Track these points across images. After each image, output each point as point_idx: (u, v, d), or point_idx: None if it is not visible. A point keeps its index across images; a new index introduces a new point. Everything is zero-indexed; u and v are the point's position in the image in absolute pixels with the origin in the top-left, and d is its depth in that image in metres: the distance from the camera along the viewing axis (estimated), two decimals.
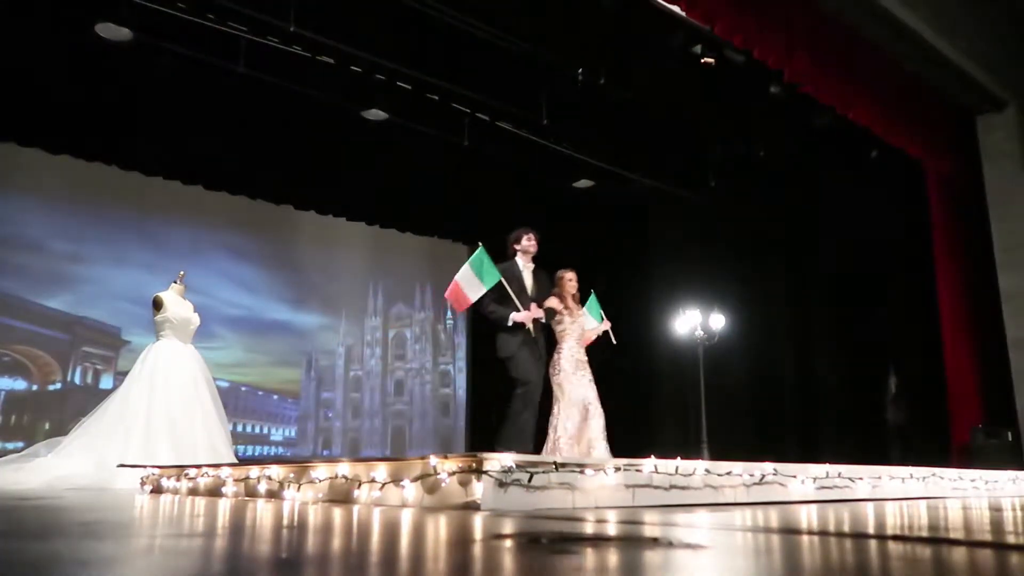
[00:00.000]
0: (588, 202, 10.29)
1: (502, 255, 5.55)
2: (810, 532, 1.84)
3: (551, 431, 5.45)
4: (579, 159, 9.16)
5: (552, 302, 5.47)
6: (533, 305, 5.30)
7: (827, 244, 9.20)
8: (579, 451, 5.33)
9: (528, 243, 5.59)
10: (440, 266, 12.01)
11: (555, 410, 5.47)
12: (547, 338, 5.52)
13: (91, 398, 7.23)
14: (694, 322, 9.67)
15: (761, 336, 9.62)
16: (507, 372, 5.27)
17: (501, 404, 4.90)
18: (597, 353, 5.80)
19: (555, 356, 5.54)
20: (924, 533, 1.89)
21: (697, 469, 2.99)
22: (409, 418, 11.44)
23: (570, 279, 5.73)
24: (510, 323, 5.23)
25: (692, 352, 9.69)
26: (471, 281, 5.29)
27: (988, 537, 1.80)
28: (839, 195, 9.01)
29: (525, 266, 5.55)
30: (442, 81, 7.85)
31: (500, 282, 5.24)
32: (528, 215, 10.49)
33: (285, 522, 2.10)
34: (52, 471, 5.04)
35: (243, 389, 10.01)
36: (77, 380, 8.85)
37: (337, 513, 2.38)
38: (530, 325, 5.26)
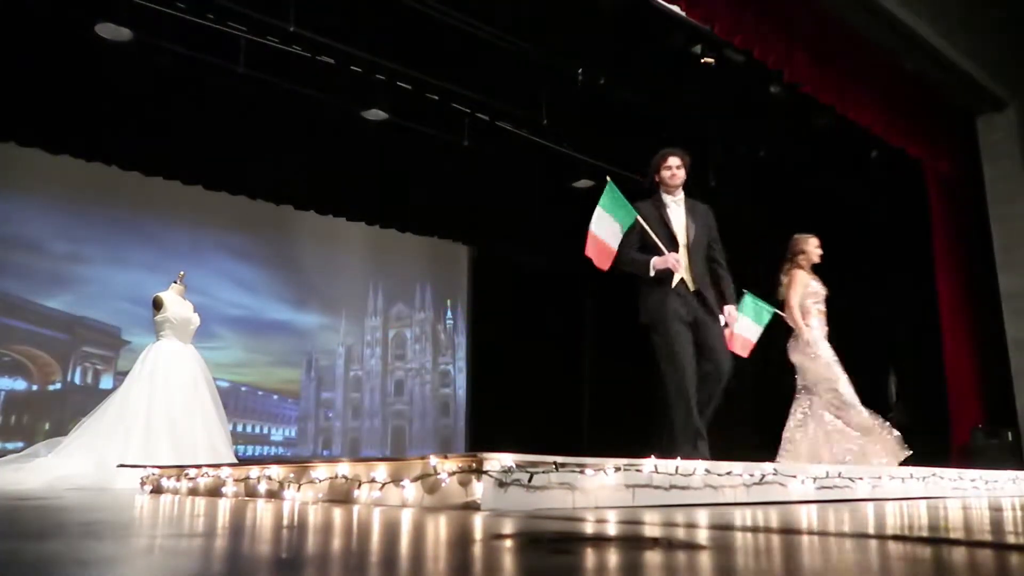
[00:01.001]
0: (588, 202, 10.30)
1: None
2: (810, 532, 1.84)
3: (808, 426, 4.88)
4: (579, 159, 9.17)
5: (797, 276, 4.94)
6: (683, 250, 4.12)
7: (827, 244, 9.20)
8: (841, 448, 4.74)
9: (667, 172, 4.34)
10: (440, 266, 12.03)
11: (808, 401, 4.97)
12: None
13: (91, 398, 7.23)
14: None
15: (761, 336, 9.61)
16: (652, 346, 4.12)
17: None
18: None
19: (808, 334, 5.00)
20: (924, 533, 1.89)
21: (697, 469, 2.99)
22: (409, 418, 11.44)
23: (816, 245, 5.20)
24: (652, 273, 4.05)
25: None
26: (607, 225, 4.17)
27: (988, 537, 1.80)
28: (839, 195, 9.01)
29: (673, 201, 4.34)
30: (442, 81, 7.85)
31: (638, 222, 4.14)
32: (528, 215, 10.54)
33: (285, 522, 2.10)
34: (52, 471, 5.04)
35: (243, 389, 10.01)
36: (77, 380, 8.85)
37: (337, 513, 2.38)
38: (684, 275, 4.08)
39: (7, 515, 2.43)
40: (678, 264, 4.08)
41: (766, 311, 5.47)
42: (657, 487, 2.83)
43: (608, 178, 4.35)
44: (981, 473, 4.95)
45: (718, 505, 2.95)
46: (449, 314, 12.05)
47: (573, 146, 8.98)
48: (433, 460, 2.56)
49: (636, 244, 4.16)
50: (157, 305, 5.97)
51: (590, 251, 4.19)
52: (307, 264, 10.72)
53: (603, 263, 4.17)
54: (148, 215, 9.15)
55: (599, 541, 1.57)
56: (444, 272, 12.05)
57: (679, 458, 3.33)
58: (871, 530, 1.97)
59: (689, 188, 4.44)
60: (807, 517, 2.39)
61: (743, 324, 5.21)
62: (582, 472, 2.62)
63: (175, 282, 6.23)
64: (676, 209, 4.31)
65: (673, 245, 4.14)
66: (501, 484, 2.41)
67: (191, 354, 5.96)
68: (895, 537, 1.74)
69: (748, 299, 5.45)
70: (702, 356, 4.06)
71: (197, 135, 8.40)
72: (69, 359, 8.82)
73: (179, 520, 2.19)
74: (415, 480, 2.60)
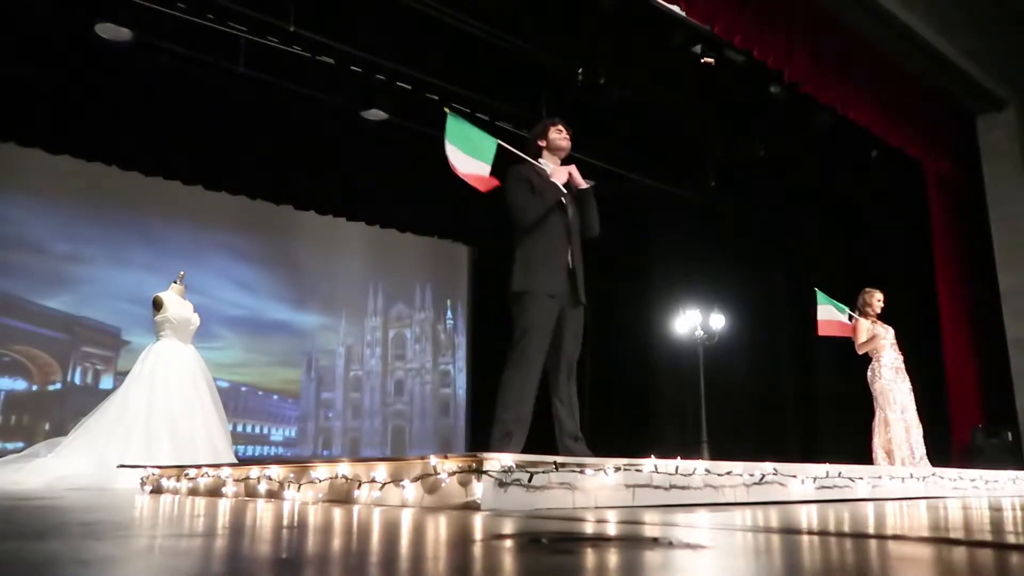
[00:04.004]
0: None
1: None
2: (810, 532, 1.84)
3: (875, 440, 5.81)
4: (579, 159, 9.17)
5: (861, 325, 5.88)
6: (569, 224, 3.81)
7: (827, 244, 9.21)
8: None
9: (558, 134, 4.10)
10: (440, 266, 12.03)
11: (877, 418, 5.84)
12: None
13: (91, 398, 7.23)
14: (694, 322, 9.68)
15: (761, 336, 9.62)
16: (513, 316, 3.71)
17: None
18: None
19: (874, 364, 5.93)
20: (924, 533, 1.89)
21: (697, 469, 2.99)
22: (409, 418, 11.44)
23: (879, 299, 6.12)
24: (552, 177, 3.85)
25: (692, 352, 9.69)
26: (469, 161, 3.88)
27: (988, 537, 1.80)
28: (839, 195, 9.01)
29: (558, 173, 4.04)
30: (442, 81, 7.85)
31: (524, 169, 3.88)
32: None
33: (285, 522, 2.10)
34: (52, 471, 5.04)
35: (243, 389, 10.01)
36: (77, 380, 8.85)
37: (337, 513, 2.38)
38: (568, 254, 3.79)
39: (7, 515, 2.42)
40: (575, 172, 3.89)
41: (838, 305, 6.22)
42: (657, 487, 2.83)
43: (446, 110, 4.03)
44: (981, 473, 4.95)
45: (718, 505, 2.95)
46: (449, 314, 12.05)
47: (572, 146, 8.98)
48: (433, 460, 2.56)
49: (527, 196, 3.80)
50: (157, 305, 5.96)
51: (468, 177, 3.81)
52: (307, 264, 10.72)
53: (483, 186, 3.80)
54: (148, 215, 9.15)
55: (599, 541, 1.57)
56: (444, 272, 12.05)
57: (498, 448, 3.31)
58: (871, 530, 1.97)
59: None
60: (807, 517, 2.39)
61: (829, 311, 6.09)
62: (582, 472, 2.62)
63: (175, 282, 6.23)
64: (560, 180, 3.97)
65: (561, 214, 3.83)
66: (501, 484, 2.41)
67: (191, 354, 5.95)
68: (895, 537, 1.75)
69: (820, 296, 6.15)
70: (560, 342, 3.74)
71: (197, 135, 8.40)
72: (69, 359, 8.82)
73: (179, 520, 2.19)
74: (415, 480, 2.60)
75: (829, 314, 6.07)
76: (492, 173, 3.84)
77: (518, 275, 3.72)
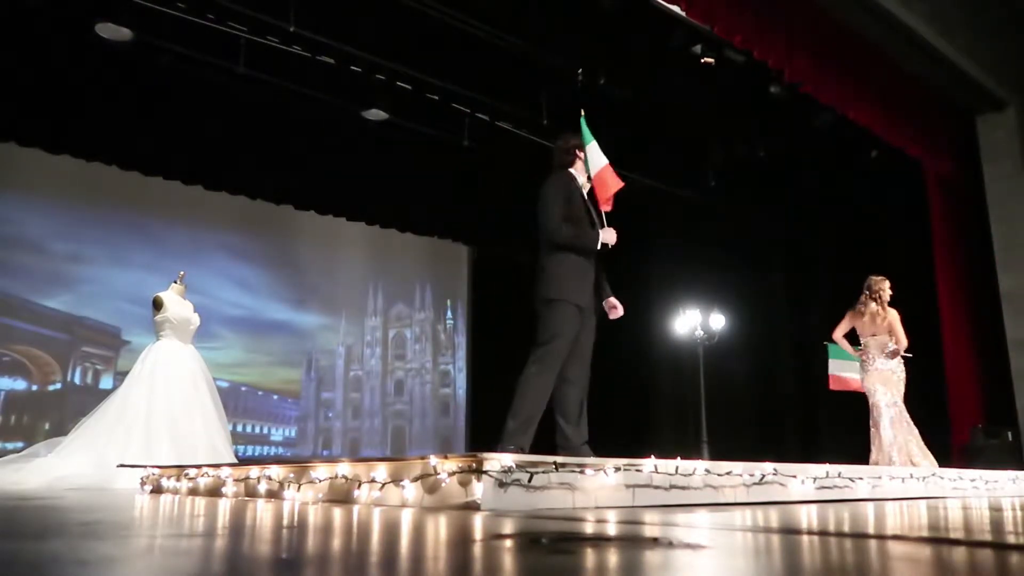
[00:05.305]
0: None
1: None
2: (810, 532, 1.84)
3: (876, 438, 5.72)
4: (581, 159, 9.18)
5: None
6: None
7: (827, 244, 9.21)
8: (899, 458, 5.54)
9: None
10: (440, 266, 12.03)
11: (873, 416, 5.74)
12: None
13: (91, 398, 7.23)
14: (694, 322, 9.68)
15: (761, 336, 9.62)
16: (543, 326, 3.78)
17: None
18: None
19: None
20: (924, 533, 1.89)
21: (697, 469, 2.99)
22: (409, 418, 11.44)
23: (874, 288, 6.05)
24: (598, 247, 3.91)
25: (692, 352, 9.70)
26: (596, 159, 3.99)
27: (988, 537, 1.80)
28: (839, 195, 9.01)
29: (585, 184, 4.23)
30: (442, 81, 7.85)
31: (578, 202, 4.06)
32: (528, 215, 10.53)
33: (285, 522, 2.10)
34: (52, 471, 5.04)
35: (243, 389, 10.01)
36: (77, 380, 8.85)
37: (337, 513, 2.38)
38: (595, 272, 3.96)
39: (7, 515, 2.42)
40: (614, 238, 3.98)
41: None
42: (657, 487, 2.83)
43: (583, 111, 4.19)
44: (981, 473, 4.95)
45: (718, 505, 2.95)
46: (449, 314, 12.05)
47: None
48: (433, 460, 2.56)
49: (561, 214, 3.97)
50: (157, 305, 5.96)
51: (613, 184, 4.03)
52: (307, 264, 10.72)
53: (608, 196, 4.09)
54: (148, 215, 9.15)
55: (599, 541, 1.57)
56: (444, 272, 12.05)
57: (512, 448, 3.40)
58: (871, 530, 1.97)
59: None
60: (807, 517, 2.39)
61: (840, 366, 6.09)
62: (582, 472, 2.62)
63: (175, 282, 6.23)
64: (587, 193, 4.18)
65: (594, 230, 4.03)
66: (501, 484, 2.41)
67: (191, 354, 5.95)
68: (895, 537, 1.75)
69: (832, 349, 6.16)
70: (582, 350, 3.91)
71: (197, 135, 8.40)
72: (69, 359, 8.82)
73: (179, 520, 2.19)
74: (415, 480, 2.60)
75: (841, 368, 6.10)
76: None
77: (552, 286, 3.85)
